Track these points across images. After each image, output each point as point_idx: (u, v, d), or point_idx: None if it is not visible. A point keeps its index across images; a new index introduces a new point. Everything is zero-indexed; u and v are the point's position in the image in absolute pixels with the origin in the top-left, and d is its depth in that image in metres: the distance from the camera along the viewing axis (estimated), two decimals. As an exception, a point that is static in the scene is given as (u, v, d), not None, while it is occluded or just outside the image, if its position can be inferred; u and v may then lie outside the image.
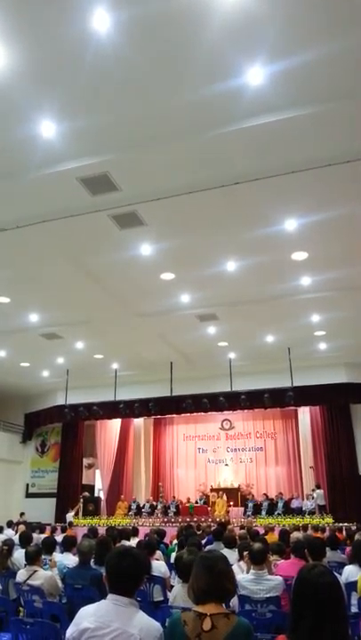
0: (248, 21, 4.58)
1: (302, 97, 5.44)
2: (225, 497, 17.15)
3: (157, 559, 6.04)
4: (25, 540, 6.73)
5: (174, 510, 16.84)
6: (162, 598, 5.33)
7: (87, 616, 2.33)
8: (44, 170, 6.51)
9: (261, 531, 10.31)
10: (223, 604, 2.33)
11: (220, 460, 20.58)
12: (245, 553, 5.22)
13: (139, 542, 7.33)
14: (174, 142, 6.07)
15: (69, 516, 15.59)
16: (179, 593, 4.08)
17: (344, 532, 10.73)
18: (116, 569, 2.40)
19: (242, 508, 16.94)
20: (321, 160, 6.29)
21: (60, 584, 5.14)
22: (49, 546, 5.95)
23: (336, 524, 12.92)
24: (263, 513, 15.65)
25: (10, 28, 4.63)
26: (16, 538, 8.23)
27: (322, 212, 7.48)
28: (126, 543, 7.18)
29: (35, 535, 9.44)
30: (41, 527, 12.13)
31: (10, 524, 12.63)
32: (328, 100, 5.45)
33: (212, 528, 9.57)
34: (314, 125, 5.77)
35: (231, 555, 6.37)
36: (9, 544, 6.54)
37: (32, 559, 5.11)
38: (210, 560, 2.38)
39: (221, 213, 7.50)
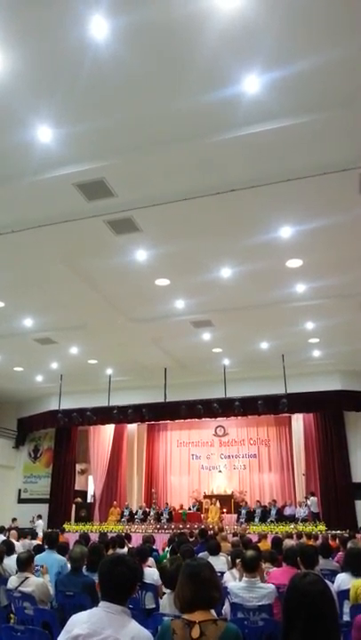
0: (245, 30, 4.61)
1: (298, 105, 5.47)
2: (218, 504, 17.13)
3: (150, 566, 6.01)
4: (8, 548, 6.61)
5: (167, 517, 16.78)
6: (154, 606, 5.30)
7: (79, 623, 2.32)
8: (41, 175, 6.51)
9: (255, 538, 10.28)
10: (211, 611, 2.31)
11: (213, 466, 20.55)
12: (238, 560, 5.21)
13: (129, 549, 7.31)
14: (171, 149, 6.09)
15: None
16: (168, 602, 4.07)
17: (337, 540, 10.71)
18: (109, 577, 2.39)
19: (235, 515, 16.90)
20: (317, 168, 6.33)
21: (51, 591, 5.10)
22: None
23: (329, 532, 12.90)
24: (256, 520, 15.62)
25: (7, 33, 4.64)
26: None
27: (317, 220, 7.51)
28: (120, 551, 7.15)
29: (26, 541, 9.38)
30: (33, 533, 12.05)
31: (1, 530, 12.54)
32: (324, 108, 5.49)
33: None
34: (310, 134, 5.80)
35: (216, 561, 6.41)
36: (0, 550, 6.48)
37: (24, 565, 5.07)
38: (194, 568, 2.37)
39: (217, 220, 7.53)
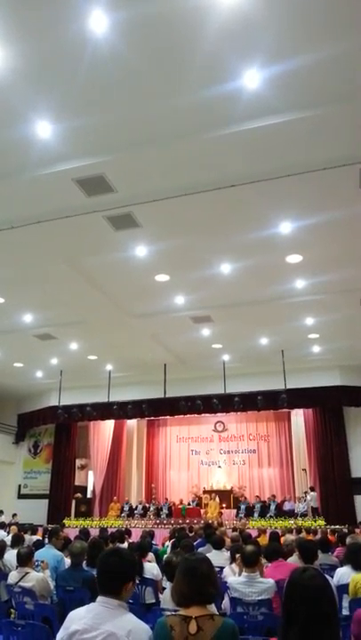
0: (245, 25, 4.59)
1: (299, 100, 5.46)
2: (218, 499, 17.17)
3: (149, 561, 6.03)
4: (16, 542, 6.69)
5: (167, 512, 16.82)
6: (153, 601, 5.32)
7: (77, 619, 2.32)
8: (40, 170, 6.50)
9: (254, 533, 10.31)
10: (208, 606, 2.31)
11: (213, 461, 20.59)
12: (238, 555, 5.22)
13: (130, 544, 7.34)
14: (170, 144, 6.08)
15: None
16: (169, 595, 4.08)
17: (336, 535, 10.74)
18: (103, 568, 2.41)
19: (234, 510, 16.94)
20: (317, 163, 6.31)
21: (51, 586, 5.12)
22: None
23: (328, 527, 12.94)
24: (255, 515, 15.66)
25: (7, 28, 4.62)
26: (8, 539, 8.18)
27: (317, 216, 7.50)
28: (120, 546, 7.17)
29: (26, 536, 9.39)
30: (33, 528, 12.07)
31: (2, 526, 12.58)
32: (324, 103, 5.48)
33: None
34: (310, 129, 5.79)
35: (219, 556, 6.43)
36: (0, 545, 6.50)
37: (23, 561, 5.09)
38: (191, 563, 2.36)
39: (217, 216, 7.51)
